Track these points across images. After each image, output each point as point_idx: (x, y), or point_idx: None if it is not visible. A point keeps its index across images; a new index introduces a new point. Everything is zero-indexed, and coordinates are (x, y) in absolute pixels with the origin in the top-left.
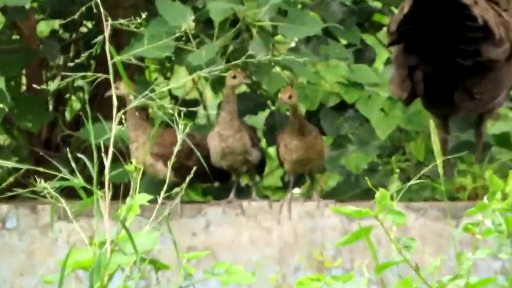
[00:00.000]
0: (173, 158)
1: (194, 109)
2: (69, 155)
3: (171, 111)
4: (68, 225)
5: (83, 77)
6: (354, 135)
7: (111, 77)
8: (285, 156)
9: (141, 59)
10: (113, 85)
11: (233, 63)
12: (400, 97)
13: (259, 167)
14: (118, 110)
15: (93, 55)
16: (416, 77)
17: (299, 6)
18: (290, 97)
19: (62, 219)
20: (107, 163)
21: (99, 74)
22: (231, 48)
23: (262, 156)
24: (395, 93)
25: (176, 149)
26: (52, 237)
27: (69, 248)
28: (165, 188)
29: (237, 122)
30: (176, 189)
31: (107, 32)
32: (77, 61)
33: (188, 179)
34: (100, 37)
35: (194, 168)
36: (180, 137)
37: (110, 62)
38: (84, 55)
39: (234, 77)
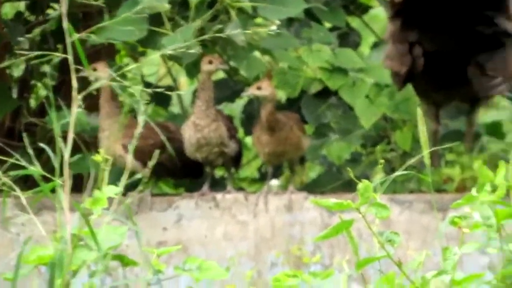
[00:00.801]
0: (133, 143)
1: (168, 93)
2: (28, 144)
3: (142, 98)
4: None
5: (48, 62)
6: (336, 124)
7: (69, 57)
8: (258, 149)
9: (113, 44)
10: (72, 67)
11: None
12: (398, 72)
13: (236, 159)
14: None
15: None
16: (416, 52)
17: None
18: (259, 88)
19: (25, 212)
20: (67, 149)
21: (57, 54)
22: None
23: (239, 148)
24: (394, 68)
25: (135, 134)
26: (14, 231)
27: (31, 244)
28: (124, 179)
29: (213, 111)
30: (145, 181)
31: (64, 7)
32: (31, 36)
33: (148, 170)
34: (55, 13)
35: (154, 160)
36: (140, 125)
37: (68, 41)
38: (37, 31)
39: (210, 62)
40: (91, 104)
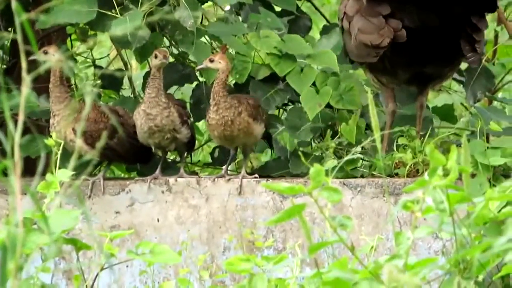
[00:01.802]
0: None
1: (118, 76)
2: None
3: (93, 81)
4: None
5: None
6: (285, 120)
7: (19, 38)
8: (209, 132)
9: (64, 28)
10: (22, 48)
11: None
12: (378, 44)
13: (188, 144)
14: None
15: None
16: (394, 24)
17: None
18: (211, 60)
19: None
20: (17, 131)
21: (6, 34)
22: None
23: (191, 133)
24: (372, 41)
25: (83, 116)
26: None
27: None
28: (73, 162)
29: (164, 99)
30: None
31: None
32: None
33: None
34: None
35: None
36: (88, 107)
37: (17, 22)
38: None
39: (156, 56)
40: (42, 87)
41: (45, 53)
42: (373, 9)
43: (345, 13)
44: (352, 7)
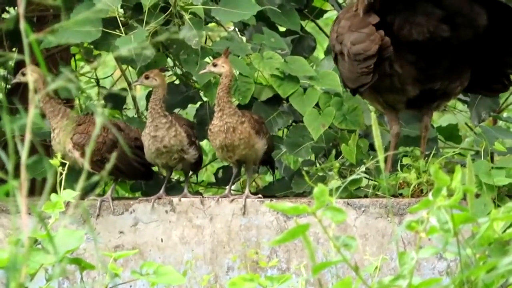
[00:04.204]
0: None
1: (123, 95)
2: None
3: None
4: None
5: (3, 65)
6: (286, 138)
7: (26, 58)
8: (211, 142)
9: (68, 48)
10: (29, 68)
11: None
12: (368, 50)
13: (195, 164)
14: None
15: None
16: (381, 32)
17: None
18: (214, 65)
19: None
20: (24, 151)
21: (12, 54)
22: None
23: (199, 154)
24: (364, 49)
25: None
26: None
27: None
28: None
29: (164, 120)
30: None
31: (21, 8)
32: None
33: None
34: (10, 15)
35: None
36: (98, 127)
37: (25, 42)
38: None
39: (146, 77)
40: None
41: (23, 74)
42: (364, 20)
43: (336, 36)
44: (343, 27)
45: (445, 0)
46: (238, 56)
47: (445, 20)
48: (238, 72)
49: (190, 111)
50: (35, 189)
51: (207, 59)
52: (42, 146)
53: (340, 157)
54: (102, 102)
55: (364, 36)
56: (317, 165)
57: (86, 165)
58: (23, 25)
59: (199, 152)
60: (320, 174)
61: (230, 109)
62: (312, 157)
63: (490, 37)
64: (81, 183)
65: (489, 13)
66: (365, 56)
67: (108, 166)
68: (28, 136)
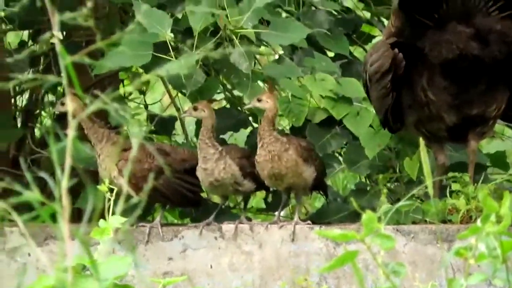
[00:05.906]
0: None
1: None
2: (31, 174)
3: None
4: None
5: (53, 91)
6: (342, 154)
7: (64, 81)
8: (259, 172)
9: (116, 74)
10: (68, 91)
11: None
12: (382, 66)
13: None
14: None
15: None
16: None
17: (284, 15)
18: (259, 100)
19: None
20: (65, 174)
21: (51, 77)
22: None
23: (256, 185)
24: (380, 65)
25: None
26: (20, 261)
27: (37, 273)
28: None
29: (212, 150)
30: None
31: (55, 30)
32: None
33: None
34: (47, 33)
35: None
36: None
37: (62, 64)
38: (29, 49)
39: (195, 109)
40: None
41: (62, 104)
42: (383, 43)
43: (363, 67)
44: (368, 55)
45: (474, 18)
46: (290, 78)
47: (475, 37)
48: (290, 94)
49: (239, 136)
50: (82, 214)
51: (258, 83)
52: (91, 174)
53: (393, 179)
54: (149, 126)
55: (379, 55)
56: (369, 187)
57: (131, 192)
58: (58, 47)
59: (257, 182)
60: (372, 194)
61: (270, 137)
62: (364, 179)
63: None
64: (119, 208)
65: None
66: (381, 74)
67: (147, 190)
68: (68, 161)
